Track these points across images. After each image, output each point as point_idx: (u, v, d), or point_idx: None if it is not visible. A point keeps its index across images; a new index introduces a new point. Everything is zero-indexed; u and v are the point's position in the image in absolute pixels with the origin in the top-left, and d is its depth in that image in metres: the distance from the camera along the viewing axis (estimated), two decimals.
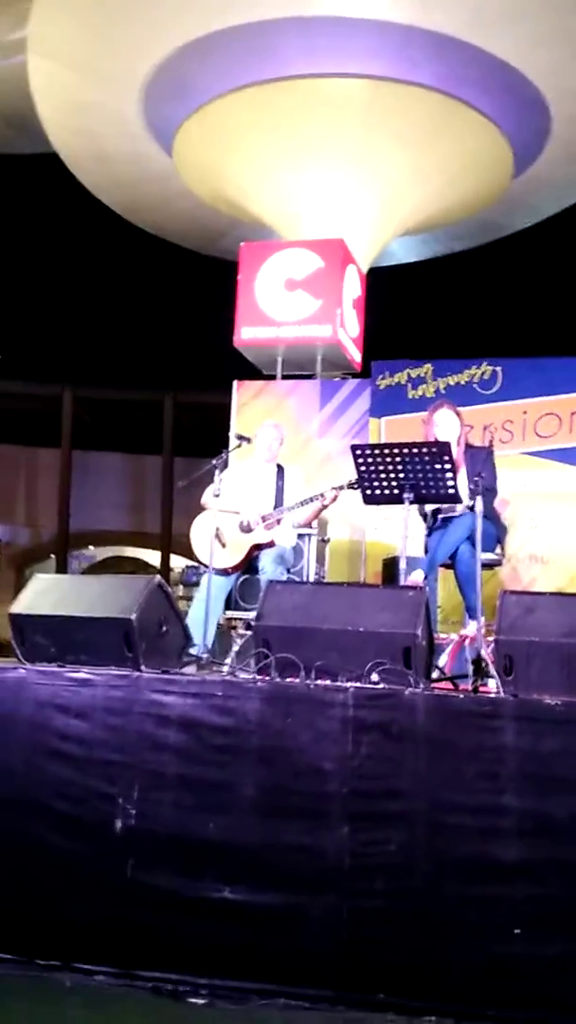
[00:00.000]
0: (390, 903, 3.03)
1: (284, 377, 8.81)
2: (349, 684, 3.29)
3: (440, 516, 5.02)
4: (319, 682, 3.35)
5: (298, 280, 8.72)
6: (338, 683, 3.32)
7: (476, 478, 4.46)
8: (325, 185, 10.42)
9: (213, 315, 9.69)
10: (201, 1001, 3.04)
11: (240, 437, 5.45)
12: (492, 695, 3.41)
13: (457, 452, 5.04)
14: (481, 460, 4.99)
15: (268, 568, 5.28)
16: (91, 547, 20.20)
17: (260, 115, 10.05)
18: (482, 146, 10.45)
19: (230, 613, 5.66)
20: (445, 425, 5.18)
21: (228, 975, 3.08)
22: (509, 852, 2.98)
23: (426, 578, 4.79)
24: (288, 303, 8.70)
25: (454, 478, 4.49)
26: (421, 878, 3.03)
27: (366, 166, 10.32)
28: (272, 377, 8.84)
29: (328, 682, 3.34)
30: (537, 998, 2.91)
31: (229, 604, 5.60)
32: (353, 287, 9.14)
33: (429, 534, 5.07)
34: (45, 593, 3.98)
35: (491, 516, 5.01)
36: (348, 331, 8.94)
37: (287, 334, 8.68)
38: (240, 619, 5.57)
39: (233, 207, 11.30)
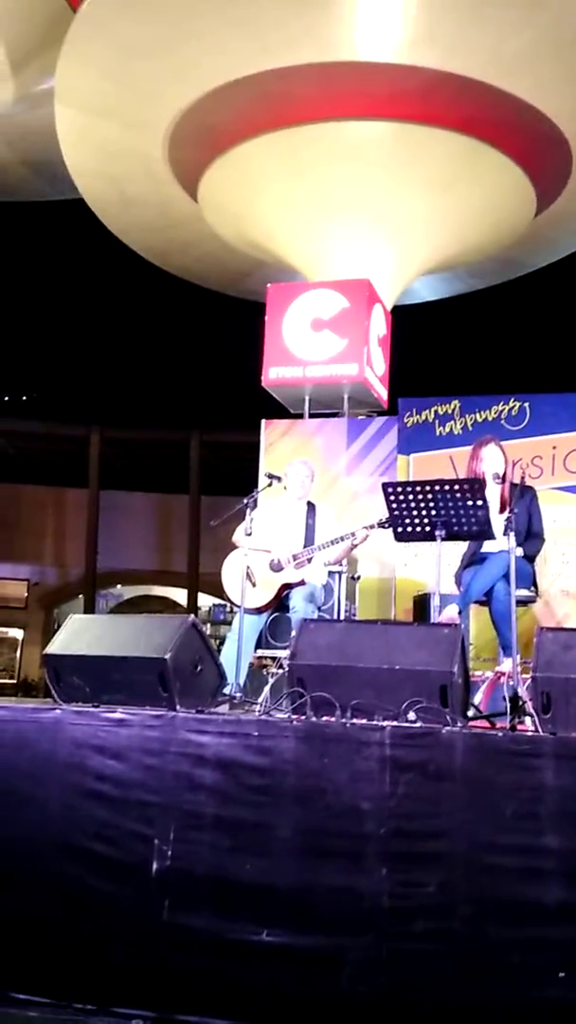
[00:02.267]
0: (429, 945, 2.99)
1: (311, 416, 8.86)
2: (386, 723, 3.28)
3: (480, 552, 5.02)
4: (355, 721, 3.34)
5: (324, 320, 8.80)
6: (374, 722, 3.30)
7: (510, 515, 4.47)
8: (349, 226, 10.54)
9: (239, 355, 9.79)
10: None
11: (270, 476, 5.48)
12: (530, 733, 3.38)
13: (500, 489, 5.04)
14: (526, 502, 5.00)
15: (299, 606, 5.28)
16: (119, 586, 20.28)
17: (284, 159, 10.20)
18: (504, 186, 10.55)
19: (261, 652, 5.67)
20: (491, 460, 5.19)
21: (265, 1019, 3.04)
22: (550, 893, 2.94)
23: (460, 614, 4.78)
24: (315, 343, 8.78)
25: (487, 515, 4.49)
26: (460, 920, 2.99)
27: (389, 207, 10.43)
28: (300, 416, 8.89)
29: (364, 721, 3.33)
30: None
31: (260, 643, 5.60)
32: (379, 325, 9.21)
33: (464, 568, 5.07)
34: (80, 633, 4.01)
35: (531, 557, 5.01)
36: (375, 369, 9.00)
37: (314, 373, 8.75)
38: (271, 658, 5.56)
39: (258, 249, 11.45)
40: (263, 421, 8.62)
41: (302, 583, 5.34)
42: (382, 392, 9.19)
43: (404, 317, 10.58)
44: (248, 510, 5.07)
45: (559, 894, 2.93)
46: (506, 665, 4.60)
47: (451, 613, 4.77)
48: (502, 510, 4.90)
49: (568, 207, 11.05)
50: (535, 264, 12.36)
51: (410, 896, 3.04)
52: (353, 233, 10.56)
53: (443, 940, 2.99)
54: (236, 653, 4.97)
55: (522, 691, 3.82)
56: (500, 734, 3.30)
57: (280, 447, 8.35)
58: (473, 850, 3.04)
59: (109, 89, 9.90)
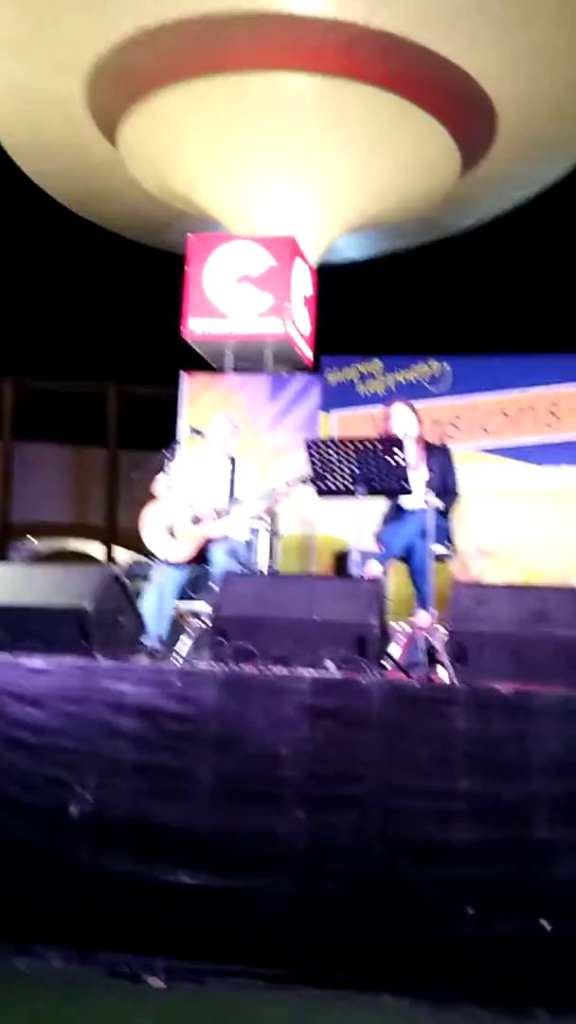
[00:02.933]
0: (344, 884, 3.10)
1: (234, 371, 8.85)
2: (305, 672, 3.35)
3: (400, 509, 5.13)
4: (276, 670, 3.40)
5: (249, 275, 8.76)
6: (294, 671, 3.37)
7: (429, 473, 4.57)
8: (273, 180, 10.46)
9: (158, 307, 9.69)
10: (157, 981, 3.07)
11: (193, 429, 5.47)
12: (444, 683, 3.50)
13: (415, 448, 5.14)
14: (440, 460, 5.12)
15: (220, 561, 5.31)
16: (32, 538, 19.98)
17: (209, 107, 10.05)
18: (429, 146, 10.59)
19: (182, 605, 5.69)
20: (401, 420, 5.28)
21: (184, 956, 3.12)
22: (461, 834, 3.07)
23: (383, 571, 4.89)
24: (238, 297, 8.74)
25: (406, 471, 4.58)
26: (375, 860, 3.10)
27: (314, 162, 10.39)
28: (222, 370, 8.86)
29: (285, 670, 3.40)
30: (488, 975, 3.00)
31: (180, 596, 5.61)
32: (303, 284, 9.21)
33: (383, 525, 5.17)
34: None
35: (445, 513, 5.14)
36: (299, 328, 9.01)
37: (237, 328, 8.73)
38: (191, 611, 5.59)
39: (179, 199, 11.29)
40: (183, 374, 8.56)
41: (224, 537, 5.37)
42: (306, 351, 9.22)
43: (328, 276, 10.58)
44: (169, 463, 5.06)
45: (468, 835, 3.06)
46: (423, 619, 4.73)
47: (373, 569, 4.86)
48: (416, 468, 5.00)
49: (492, 170, 11.15)
50: (459, 226, 12.47)
51: (326, 838, 3.14)
52: (277, 187, 10.49)
53: (356, 879, 3.11)
54: (156, 605, 4.99)
55: (437, 643, 3.94)
56: (415, 683, 3.41)
57: (202, 401, 8.33)
58: (387, 793, 3.15)
59: (25, 28, 9.58)
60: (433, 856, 3.07)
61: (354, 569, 4.67)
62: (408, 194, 11.23)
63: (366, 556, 4.83)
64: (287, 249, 8.97)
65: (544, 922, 3.00)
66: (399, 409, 5.34)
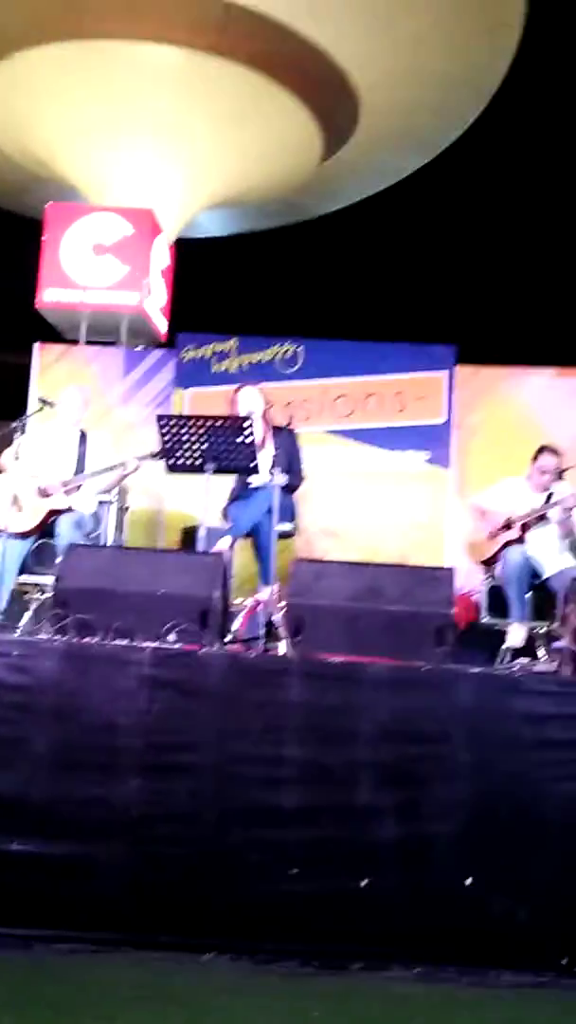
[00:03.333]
0: (176, 848, 3.20)
1: (88, 343, 8.73)
2: (146, 644, 3.41)
3: (247, 486, 5.24)
4: (117, 642, 3.45)
5: (106, 246, 8.67)
6: (136, 643, 3.43)
7: (276, 453, 4.70)
8: (135, 151, 10.34)
9: (11, 273, 9.45)
10: None
11: (43, 400, 5.41)
12: (280, 654, 3.63)
13: (262, 428, 5.26)
14: (285, 441, 5.26)
15: (65, 533, 5.28)
16: None
17: (72, 74, 9.84)
18: (292, 128, 10.69)
19: (24, 578, 5.62)
20: (247, 403, 5.39)
21: (13, 924, 3.14)
22: (289, 798, 3.21)
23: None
24: (94, 268, 8.63)
25: (254, 450, 4.70)
26: (206, 824, 3.21)
27: (177, 136, 10.33)
28: (75, 342, 8.74)
29: (126, 642, 3.45)
30: (310, 931, 3.16)
31: (23, 569, 5.55)
32: (161, 257, 9.17)
33: (230, 503, 5.27)
34: None
35: (290, 490, 5.29)
36: (155, 301, 8.97)
37: (92, 299, 8.63)
38: (34, 584, 5.54)
39: (38, 164, 10.99)
40: (37, 344, 8.40)
41: (70, 510, 5.34)
42: (161, 325, 9.19)
43: (187, 252, 10.56)
44: (17, 434, 5.00)
45: (296, 799, 3.21)
46: (263, 593, 4.86)
47: (223, 545, 4.96)
48: (263, 447, 5.13)
49: (353, 156, 11.34)
50: (321, 210, 12.62)
51: (160, 804, 3.22)
52: (139, 158, 10.38)
53: (189, 844, 3.20)
54: None
55: (276, 617, 4.08)
56: (252, 655, 3.53)
57: (54, 372, 8.19)
58: (221, 761, 3.26)
59: None
60: (262, 819, 3.20)
61: (201, 545, 4.75)
62: (271, 174, 11.30)
63: (213, 532, 4.92)
64: (146, 221, 8.90)
65: (364, 881, 3.18)
66: (246, 392, 5.46)
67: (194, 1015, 2.65)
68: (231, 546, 5.08)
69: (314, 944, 3.13)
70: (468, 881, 3.17)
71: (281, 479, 4.85)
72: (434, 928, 3.17)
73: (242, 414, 5.29)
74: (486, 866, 3.18)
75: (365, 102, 10.44)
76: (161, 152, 10.34)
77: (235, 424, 4.71)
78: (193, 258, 10.70)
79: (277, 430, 5.44)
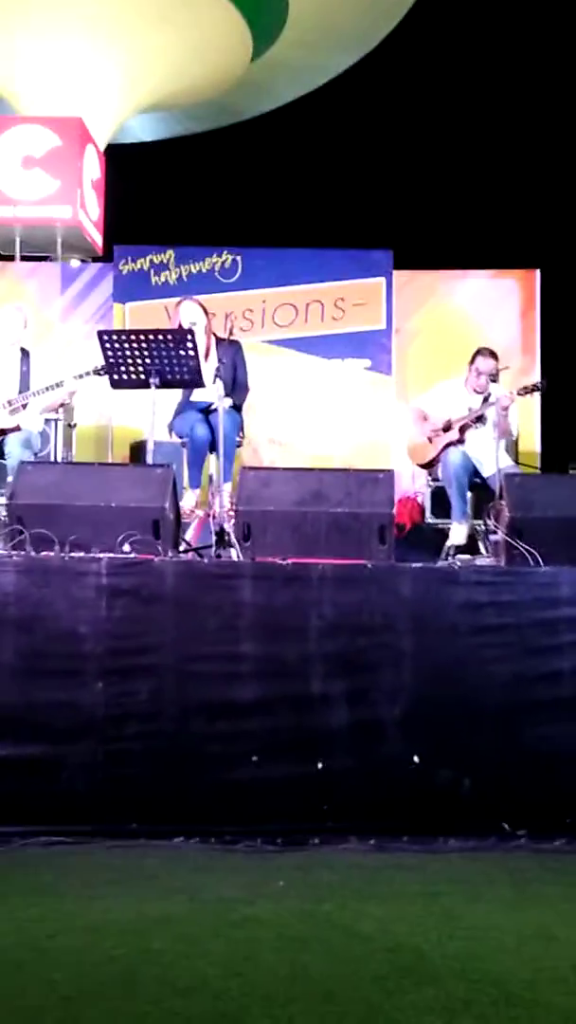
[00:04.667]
0: (141, 744, 3.40)
1: (22, 259, 8.61)
2: (102, 555, 3.55)
3: (190, 401, 5.30)
4: (73, 554, 3.58)
5: (36, 158, 8.49)
6: (92, 555, 3.56)
7: (218, 364, 4.78)
8: (58, 54, 10.04)
9: None
10: None
11: None
12: (231, 559, 3.79)
13: (205, 341, 5.29)
14: (231, 353, 5.30)
15: (15, 452, 5.32)
16: None
17: None
18: (220, 25, 10.45)
19: None
20: (189, 316, 5.40)
21: None
22: (246, 692, 3.42)
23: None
24: (25, 182, 8.47)
25: (197, 363, 4.76)
26: (169, 720, 3.41)
27: (102, 37, 10.04)
28: (11, 258, 8.60)
29: (82, 554, 3.58)
30: (269, 813, 3.40)
31: None
32: (92, 168, 9.00)
33: (176, 416, 5.34)
34: None
35: (238, 407, 5.36)
36: (89, 213, 8.84)
37: (25, 213, 8.49)
38: None
39: None
40: None
41: (17, 429, 5.38)
42: (97, 237, 9.07)
43: (119, 160, 10.35)
44: None
45: (253, 692, 3.42)
46: (216, 504, 4.99)
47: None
48: (206, 360, 5.17)
49: (284, 53, 11.12)
50: (253, 110, 12.38)
51: (124, 704, 3.41)
52: (66, 64, 10.08)
53: (153, 739, 3.41)
54: None
55: (228, 526, 4.23)
56: (205, 560, 3.68)
57: None
58: (180, 661, 3.44)
59: None
60: (222, 712, 3.41)
61: (149, 458, 4.84)
62: (201, 74, 11.04)
63: (159, 447, 5.00)
64: (75, 130, 8.71)
65: (319, 764, 3.42)
66: (187, 307, 5.46)
67: (167, 891, 2.88)
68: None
69: (275, 823, 3.37)
70: (415, 758, 3.43)
71: (226, 402, 4.93)
72: (386, 803, 3.43)
73: (184, 327, 5.32)
74: (431, 744, 3.44)
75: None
76: (86, 55, 10.05)
77: (177, 337, 4.75)
78: (126, 167, 10.50)
79: (220, 341, 5.46)
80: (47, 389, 5.34)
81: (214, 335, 5.49)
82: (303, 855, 3.27)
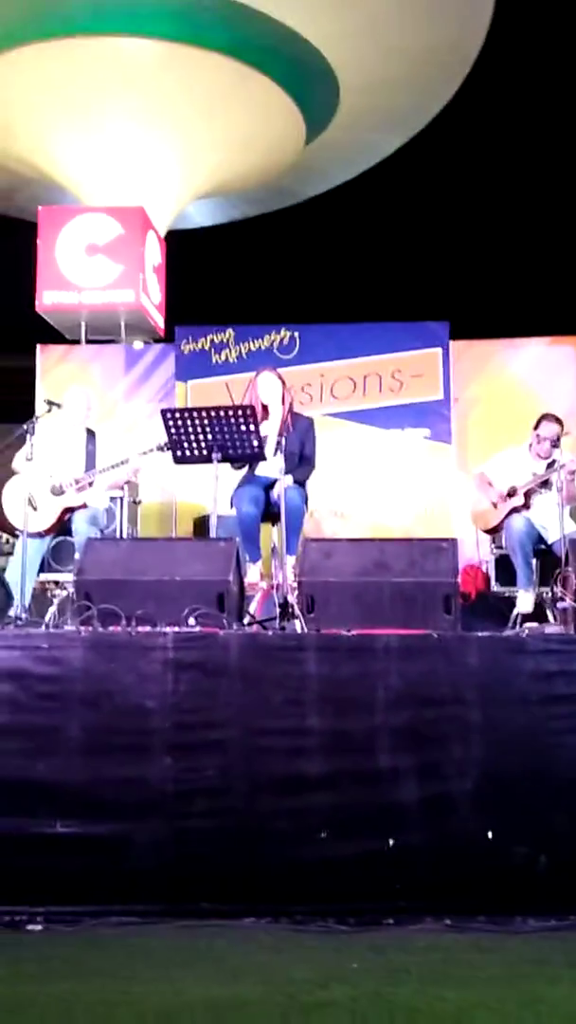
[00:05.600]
0: (209, 821, 3.37)
1: (88, 342, 8.88)
2: (168, 629, 3.57)
3: (254, 475, 5.35)
4: (140, 629, 3.61)
5: (99, 246, 8.79)
6: (157, 629, 3.59)
7: (279, 438, 4.85)
8: (118, 146, 10.44)
9: (7, 276, 9.57)
10: (38, 927, 3.26)
11: (49, 402, 5.54)
12: (295, 631, 3.79)
13: (281, 413, 5.36)
14: (302, 429, 5.37)
15: (82, 529, 5.43)
16: None
17: (52, 72, 9.93)
18: (273, 112, 10.76)
19: (44, 576, 5.78)
20: (267, 388, 5.48)
21: (63, 902, 3.31)
22: (313, 767, 3.38)
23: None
24: (90, 268, 8.77)
25: (259, 438, 4.83)
26: (237, 796, 3.38)
27: (160, 128, 10.42)
28: (76, 342, 8.88)
29: (148, 629, 3.61)
30: (340, 892, 3.33)
31: (43, 567, 5.70)
32: (154, 254, 9.29)
33: (238, 489, 5.40)
34: None
35: (303, 480, 5.39)
36: (151, 297, 9.11)
37: (90, 300, 8.76)
38: (55, 581, 5.70)
39: (25, 164, 11.10)
40: (38, 346, 8.55)
41: (84, 507, 5.49)
42: (159, 320, 9.32)
43: (178, 244, 10.66)
44: (28, 436, 5.14)
45: (319, 767, 3.37)
46: (280, 577, 5.00)
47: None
48: (281, 434, 5.21)
49: (337, 136, 11.41)
50: (308, 192, 12.68)
51: (192, 780, 3.39)
52: (124, 155, 10.47)
53: (221, 816, 3.38)
54: (20, 576, 5.08)
55: (292, 598, 4.23)
56: (270, 633, 3.69)
57: (57, 373, 8.33)
58: (247, 735, 3.42)
59: None
60: (289, 788, 3.36)
61: (213, 532, 4.88)
62: (256, 160, 11.37)
63: (222, 521, 5.05)
64: (137, 219, 9.02)
65: (391, 841, 3.35)
66: (264, 378, 5.53)
67: (238, 973, 2.82)
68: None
69: (347, 903, 3.30)
70: (489, 834, 3.34)
71: (287, 479, 4.98)
72: (460, 881, 3.34)
73: (263, 398, 5.40)
74: (505, 819, 3.35)
75: (343, 81, 10.52)
76: (145, 146, 10.44)
77: (238, 412, 4.84)
78: (185, 250, 10.81)
79: (296, 417, 5.51)
80: (113, 467, 5.46)
81: (291, 409, 5.53)
82: (376, 936, 3.19)
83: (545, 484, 5.38)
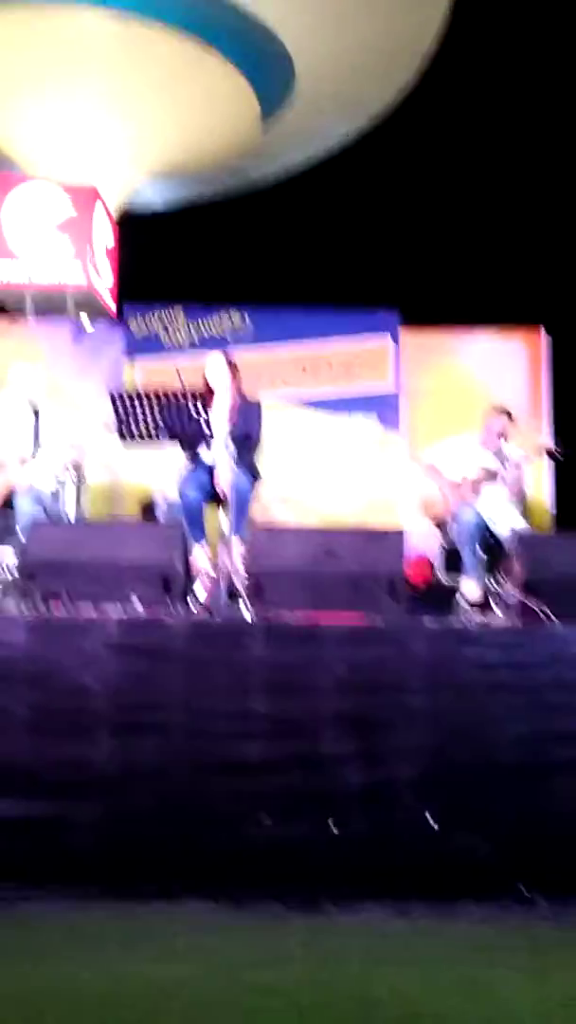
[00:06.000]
0: (150, 802, 3.35)
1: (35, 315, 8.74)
2: (112, 611, 3.54)
3: (200, 460, 5.29)
4: (84, 611, 3.57)
5: (50, 224, 8.64)
6: (102, 611, 3.55)
7: (231, 425, 4.81)
8: (69, 120, 10.27)
9: None
10: None
11: None
12: (241, 616, 3.77)
13: (228, 398, 5.29)
14: (249, 412, 5.30)
15: (25, 509, 5.33)
16: None
17: (3, 40, 9.72)
18: (229, 94, 10.67)
19: None
20: (213, 371, 5.40)
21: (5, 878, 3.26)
22: (257, 751, 3.37)
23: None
24: (39, 244, 8.61)
25: (207, 422, 4.78)
26: (178, 779, 3.36)
27: (113, 103, 10.27)
28: (21, 312, 8.72)
29: (93, 610, 3.57)
30: (282, 875, 3.33)
31: None
32: (105, 234, 9.16)
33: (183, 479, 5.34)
34: None
35: (251, 464, 5.33)
36: (101, 279, 8.98)
37: (38, 277, 8.61)
38: None
39: None
40: None
41: (28, 486, 5.39)
42: (110, 303, 9.20)
43: (130, 223, 10.53)
44: None
45: (263, 751, 3.37)
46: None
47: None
48: (230, 419, 5.14)
49: (293, 120, 11.35)
50: (262, 177, 12.60)
51: (133, 762, 3.37)
52: (77, 128, 10.31)
53: (162, 797, 3.36)
54: None
55: (237, 581, 4.20)
56: (215, 618, 3.67)
57: (2, 348, 8.17)
58: (190, 718, 3.41)
59: None
60: (231, 771, 3.36)
61: (160, 515, 4.85)
62: (209, 141, 11.26)
63: (170, 505, 5.00)
64: (89, 198, 8.88)
65: (333, 825, 3.36)
66: (213, 359, 5.45)
67: (177, 954, 2.81)
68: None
69: (289, 886, 3.30)
70: (432, 821, 3.36)
71: (231, 463, 4.92)
72: (403, 866, 3.36)
73: (210, 381, 5.32)
74: (448, 805, 3.38)
75: (299, 66, 10.46)
76: (96, 121, 10.28)
77: (187, 397, 4.78)
78: (137, 228, 10.67)
79: (245, 400, 5.43)
80: (58, 447, 5.37)
81: (239, 393, 5.45)
82: (318, 919, 3.20)
83: (494, 477, 5.41)
